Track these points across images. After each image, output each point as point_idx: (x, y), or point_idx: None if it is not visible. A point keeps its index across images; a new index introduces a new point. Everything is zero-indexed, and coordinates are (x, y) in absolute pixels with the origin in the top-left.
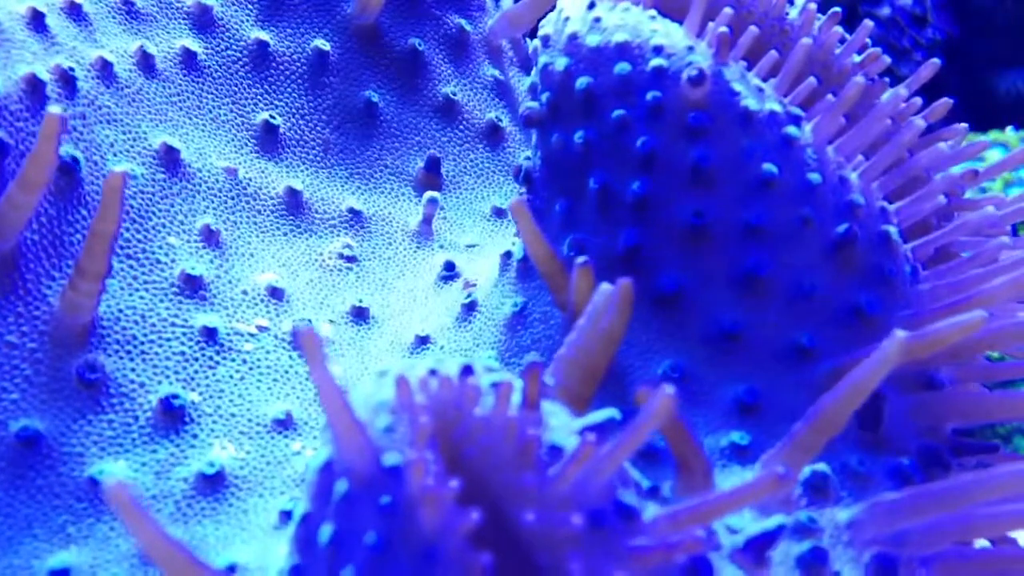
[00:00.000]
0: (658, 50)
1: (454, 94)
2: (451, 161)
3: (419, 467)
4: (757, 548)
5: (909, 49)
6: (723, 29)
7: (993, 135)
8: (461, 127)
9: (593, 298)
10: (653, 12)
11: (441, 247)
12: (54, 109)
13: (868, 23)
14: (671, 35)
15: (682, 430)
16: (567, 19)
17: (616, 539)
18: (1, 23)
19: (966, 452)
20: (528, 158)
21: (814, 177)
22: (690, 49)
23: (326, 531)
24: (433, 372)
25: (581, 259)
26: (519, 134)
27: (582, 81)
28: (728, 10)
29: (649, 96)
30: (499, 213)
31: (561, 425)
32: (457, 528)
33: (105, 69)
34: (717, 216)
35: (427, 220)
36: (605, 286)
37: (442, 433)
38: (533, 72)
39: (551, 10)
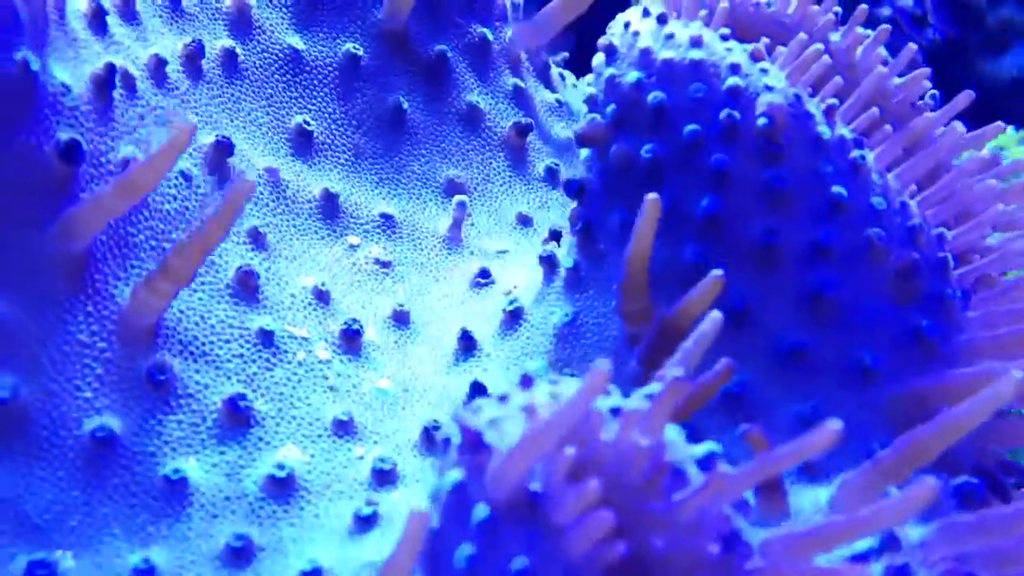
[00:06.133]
0: (734, 69)
1: (477, 102)
2: (476, 168)
3: (575, 499)
4: None
5: None
6: (818, 46)
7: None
8: (484, 135)
9: (704, 324)
10: (726, 30)
11: (472, 253)
12: (192, 118)
13: (912, 46)
14: (743, 56)
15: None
16: (637, 33)
17: (739, 563)
18: (68, 21)
19: (1014, 472)
20: (550, 166)
21: (878, 202)
22: (763, 72)
23: (464, 551)
24: (554, 397)
25: (718, 272)
26: (539, 143)
27: (655, 96)
28: (803, 36)
29: (724, 115)
30: (524, 221)
31: (680, 447)
32: (603, 559)
33: (158, 69)
34: (787, 235)
35: (456, 224)
36: (716, 314)
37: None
38: (583, 83)
39: (570, 18)
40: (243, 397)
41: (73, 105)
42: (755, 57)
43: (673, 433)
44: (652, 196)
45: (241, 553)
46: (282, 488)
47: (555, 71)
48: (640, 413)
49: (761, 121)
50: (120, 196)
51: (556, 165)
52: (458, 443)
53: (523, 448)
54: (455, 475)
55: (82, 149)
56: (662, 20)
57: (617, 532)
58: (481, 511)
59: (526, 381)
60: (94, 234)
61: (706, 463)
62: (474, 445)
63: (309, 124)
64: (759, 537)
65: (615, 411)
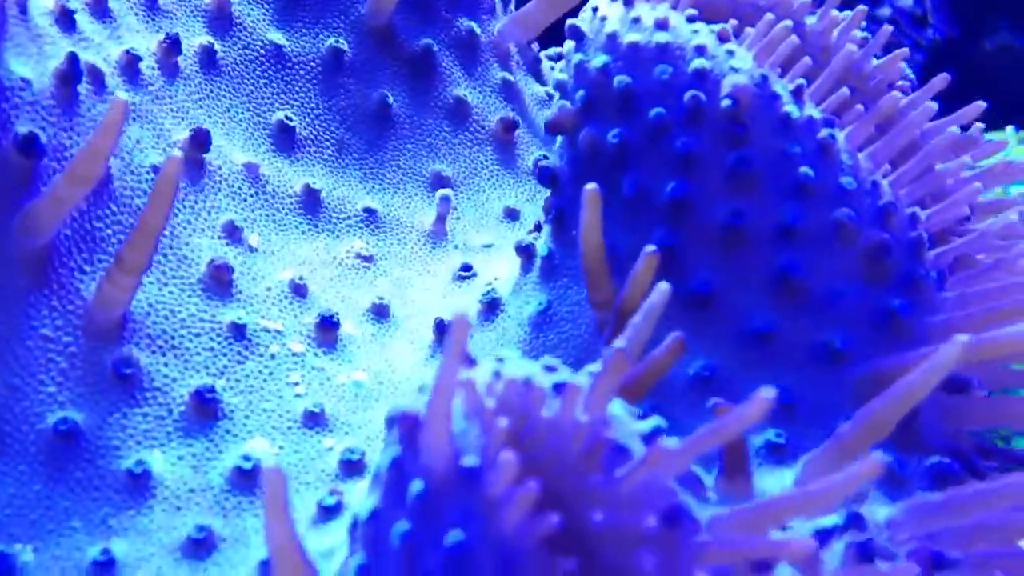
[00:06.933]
0: (700, 51)
1: (465, 96)
2: (462, 163)
3: (500, 470)
4: None
5: (909, 49)
6: (786, 23)
7: (995, 136)
8: (471, 129)
9: (652, 297)
10: (693, 12)
11: (456, 247)
12: (122, 95)
13: (887, 28)
14: (710, 38)
15: (741, 438)
16: (604, 18)
17: (684, 538)
18: (31, 17)
19: (990, 454)
20: (541, 158)
21: (848, 181)
22: (730, 53)
23: (400, 529)
24: (497, 374)
25: (651, 248)
26: (528, 136)
27: (621, 80)
28: (769, 16)
29: (689, 97)
30: (511, 214)
31: (624, 423)
32: (536, 532)
33: (130, 66)
34: (753, 218)
35: (441, 219)
36: (663, 285)
37: (510, 435)
38: (557, 69)
39: (564, 13)
40: (211, 389)
41: (33, 100)
42: (722, 38)
43: (618, 409)
44: (591, 186)
45: (202, 544)
46: (248, 480)
47: (546, 64)
48: (582, 389)
49: (725, 103)
50: (72, 185)
51: (545, 158)
52: (397, 423)
53: (432, 413)
54: (392, 452)
55: (40, 142)
56: (629, 3)
57: (552, 505)
58: (416, 486)
59: (470, 361)
60: (56, 227)
61: (650, 439)
62: (410, 423)
63: (291, 119)
64: (709, 513)
65: (559, 388)
